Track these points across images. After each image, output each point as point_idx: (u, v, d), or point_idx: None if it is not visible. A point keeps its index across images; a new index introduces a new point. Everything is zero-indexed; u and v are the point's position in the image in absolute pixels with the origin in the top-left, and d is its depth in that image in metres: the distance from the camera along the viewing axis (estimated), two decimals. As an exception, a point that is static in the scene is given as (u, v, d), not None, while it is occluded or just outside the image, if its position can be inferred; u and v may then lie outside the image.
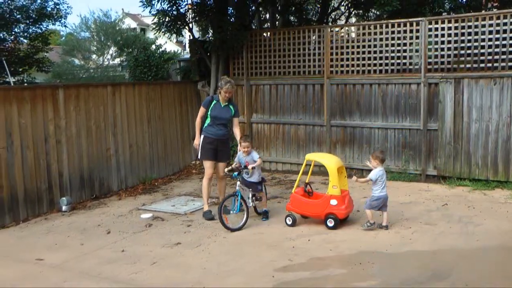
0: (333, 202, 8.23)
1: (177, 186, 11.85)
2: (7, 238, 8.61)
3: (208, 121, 9.34)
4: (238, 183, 8.64)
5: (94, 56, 31.04)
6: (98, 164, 11.03)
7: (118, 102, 11.53)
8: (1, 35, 19.29)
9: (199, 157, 9.54)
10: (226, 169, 8.98)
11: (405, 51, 11.34)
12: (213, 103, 9.36)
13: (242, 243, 7.76)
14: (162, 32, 13.58)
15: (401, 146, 11.60)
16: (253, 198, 8.86)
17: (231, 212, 8.57)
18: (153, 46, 21.83)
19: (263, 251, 7.40)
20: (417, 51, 11.22)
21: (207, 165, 9.33)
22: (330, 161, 8.57)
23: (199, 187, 11.37)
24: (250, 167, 8.58)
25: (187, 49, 24.25)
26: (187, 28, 13.87)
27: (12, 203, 9.41)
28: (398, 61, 11.42)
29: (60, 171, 10.24)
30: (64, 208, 9.99)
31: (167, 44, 26.89)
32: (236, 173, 8.68)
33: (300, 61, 12.72)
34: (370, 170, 8.37)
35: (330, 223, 8.22)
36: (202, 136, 9.35)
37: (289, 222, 8.56)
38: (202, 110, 9.41)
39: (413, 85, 11.30)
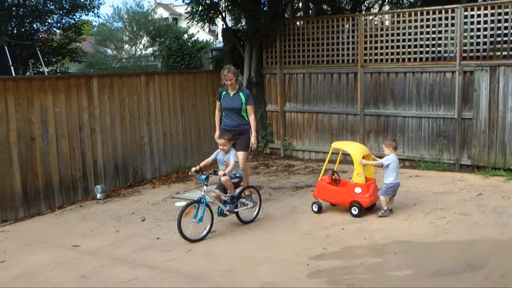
0: (358, 190, 8.21)
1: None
2: (44, 224, 8.77)
3: (224, 113, 9.34)
4: (205, 188, 7.59)
5: (126, 46, 31.19)
6: (132, 152, 11.13)
7: (152, 91, 11.61)
8: (35, 26, 19.49)
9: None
10: (193, 169, 7.90)
11: (440, 39, 11.18)
12: (223, 94, 9.31)
13: (275, 231, 7.76)
14: (195, 21, 13.61)
15: (435, 135, 11.46)
16: (231, 201, 8.03)
17: (193, 221, 7.44)
18: (185, 36, 21.89)
19: (297, 239, 7.39)
20: (452, 38, 11.06)
21: None
22: (355, 149, 8.57)
23: (232, 175, 11.43)
24: (221, 174, 7.76)
25: (220, 38, 24.30)
26: (220, 17, 13.87)
27: (47, 191, 9.58)
28: (433, 49, 11.27)
29: (94, 159, 10.37)
30: (98, 195, 10.11)
31: (199, 33, 26.96)
32: (203, 176, 7.61)
33: (333, 50, 12.63)
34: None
35: (354, 211, 8.21)
36: (221, 128, 9.31)
37: (315, 209, 8.58)
38: (217, 103, 9.45)
39: (447, 73, 11.14)
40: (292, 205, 9.10)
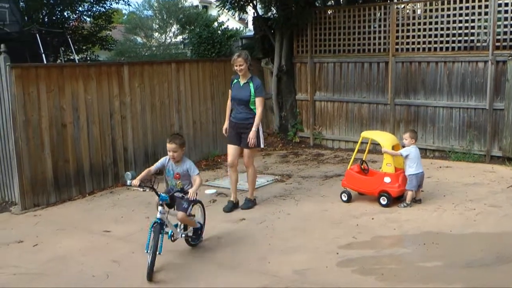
0: (387, 179, 8.16)
1: (240, 163, 11.90)
2: (75, 210, 8.89)
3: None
4: (160, 208, 6.10)
5: (156, 34, 31.25)
6: (162, 140, 11.17)
7: (182, 79, 11.66)
8: (66, 14, 19.64)
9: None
10: (134, 182, 6.19)
11: (472, 27, 11.00)
12: (234, 82, 8.43)
13: (306, 220, 7.77)
14: (226, 9, 13.62)
15: (465, 126, 11.31)
16: (195, 235, 6.75)
17: (146, 253, 6.00)
18: (215, 24, 21.88)
19: (327, 228, 7.39)
20: (485, 27, 10.88)
21: (228, 151, 8.47)
22: (385, 139, 8.51)
23: (262, 164, 11.51)
24: (191, 194, 6.16)
25: (250, 27, 24.20)
26: (251, 5, 13.85)
27: (78, 177, 9.71)
28: (466, 38, 11.09)
29: (125, 146, 10.46)
30: (128, 182, 10.16)
31: (229, 21, 26.90)
32: (164, 195, 6.16)
33: (364, 39, 12.52)
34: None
35: (383, 200, 8.17)
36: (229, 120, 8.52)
37: (344, 198, 8.55)
38: (229, 92, 8.55)
39: (480, 63, 10.97)
40: (321, 194, 9.08)
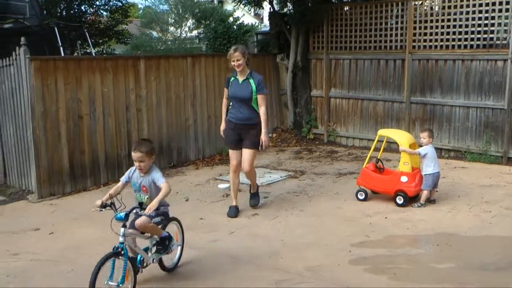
0: (404, 179, 8.10)
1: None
2: (90, 200, 8.88)
3: (231, 102, 7.83)
4: (123, 230, 5.06)
5: (171, 29, 31.30)
6: (176, 133, 11.24)
7: (198, 73, 11.68)
8: (83, 8, 19.79)
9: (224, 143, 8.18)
10: (97, 202, 5.18)
11: (492, 25, 10.84)
12: (231, 80, 7.75)
13: (319, 217, 7.75)
14: (242, 4, 13.60)
15: (482, 126, 11.20)
16: (156, 245, 5.57)
17: (110, 285, 4.92)
18: (231, 19, 21.88)
19: (341, 225, 7.37)
20: (505, 25, 10.74)
21: (230, 154, 7.89)
22: (402, 137, 8.43)
23: (275, 159, 11.51)
24: (149, 207, 5.08)
25: (265, 22, 24.20)
26: (267, 0, 13.83)
27: (93, 168, 9.81)
28: (484, 35, 10.93)
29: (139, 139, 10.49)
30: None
31: (245, 16, 26.86)
32: (121, 214, 5.11)
33: (381, 36, 12.45)
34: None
35: (400, 200, 8.10)
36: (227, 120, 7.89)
37: (361, 197, 8.49)
38: (225, 91, 7.95)
39: (499, 61, 10.83)
40: (335, 192, 9.06)
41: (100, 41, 20.56)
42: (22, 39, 9.01)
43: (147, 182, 5.36)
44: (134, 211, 5.17)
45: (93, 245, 6.72)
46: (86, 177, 9.69)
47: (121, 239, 5.01)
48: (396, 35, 12.19)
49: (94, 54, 16.94)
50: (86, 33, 17.06)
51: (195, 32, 29.36)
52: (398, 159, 8.50)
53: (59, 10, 18.20)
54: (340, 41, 13.13)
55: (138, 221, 5.22)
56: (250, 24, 22.73)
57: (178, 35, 30.17)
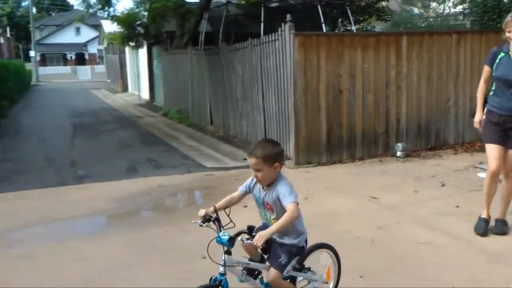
0: None
1: None
2: (344, 172, 9.26)
3: (493, 86, 5.97)
4: (226, 257, 3.58)
5: (433, 4, 30.35)
6: (435, 114, 10.84)
7: (463, 51, 11.03)
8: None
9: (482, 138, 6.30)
10: (200, 213, 3.75)
11: None
12: (499, 57, 5.82)
13: None
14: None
15: None
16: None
17: None
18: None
19: None
20: None
21: (490, 152, 5.89)
22: None
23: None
24: (258, 242, 3.41)
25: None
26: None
27: (350, 142, 10.05)
28: None
29: (397, 117, 10.42)
30: (398, 153, 10.12)
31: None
32: (224, 238, 3.57)
33: None
34: None
35: None
36: (485, 110, 6.06)
37: None
38: (485, 69, 6.03)
39: None
40: None
41: (361, 18, 20.74)
42: (288, 16, 9.45)
43: (271, 199, 3.74)
44: (240, 237, 3.63)
45: (345, 215, 6.90)
46: (342, 149, 9.95)
47: (221, 269, 3.58)
48: None
49: (354, 31, 17.16)
50: (348, 11, 17.31)
51: (459, 8, 28.14)
52: None
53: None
54: None
55: (270, 275, 3.79)
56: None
57: (441, 11, 29.20)
